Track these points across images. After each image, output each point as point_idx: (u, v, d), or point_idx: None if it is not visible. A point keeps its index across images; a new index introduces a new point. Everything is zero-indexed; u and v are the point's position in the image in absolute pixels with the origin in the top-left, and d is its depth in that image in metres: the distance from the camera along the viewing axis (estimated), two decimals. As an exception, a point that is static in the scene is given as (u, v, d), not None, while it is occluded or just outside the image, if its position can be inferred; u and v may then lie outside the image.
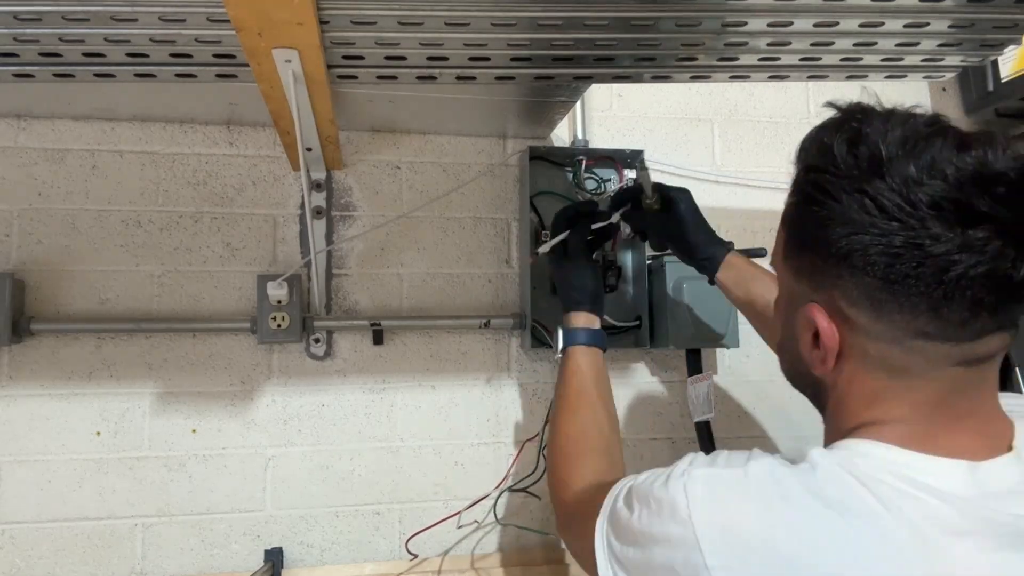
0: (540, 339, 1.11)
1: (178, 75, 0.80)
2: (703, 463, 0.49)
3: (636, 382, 1.22)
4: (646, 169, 1.21)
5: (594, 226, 0.99)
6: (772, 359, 0.64)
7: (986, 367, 0.47)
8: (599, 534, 0.54)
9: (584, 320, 0.92)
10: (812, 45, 0.81)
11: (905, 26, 0.79)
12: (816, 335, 0.50)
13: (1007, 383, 1.28)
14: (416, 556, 1.08)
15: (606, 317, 1.13)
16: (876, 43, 0.82)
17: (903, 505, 0.43)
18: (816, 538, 0.42)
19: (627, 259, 1.18)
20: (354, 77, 0.82)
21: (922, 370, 0.47)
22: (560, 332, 0.92)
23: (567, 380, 0.86)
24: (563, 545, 1.15)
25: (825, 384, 0.53)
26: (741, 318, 1.13)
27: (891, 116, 0.47)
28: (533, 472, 1.12)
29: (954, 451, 0.46)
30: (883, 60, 0.86)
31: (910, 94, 1.38)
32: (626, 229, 1.15)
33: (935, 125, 0.46)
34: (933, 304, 0.43)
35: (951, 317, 0.44)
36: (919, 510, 0.43)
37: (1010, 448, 0.47)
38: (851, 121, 0.47)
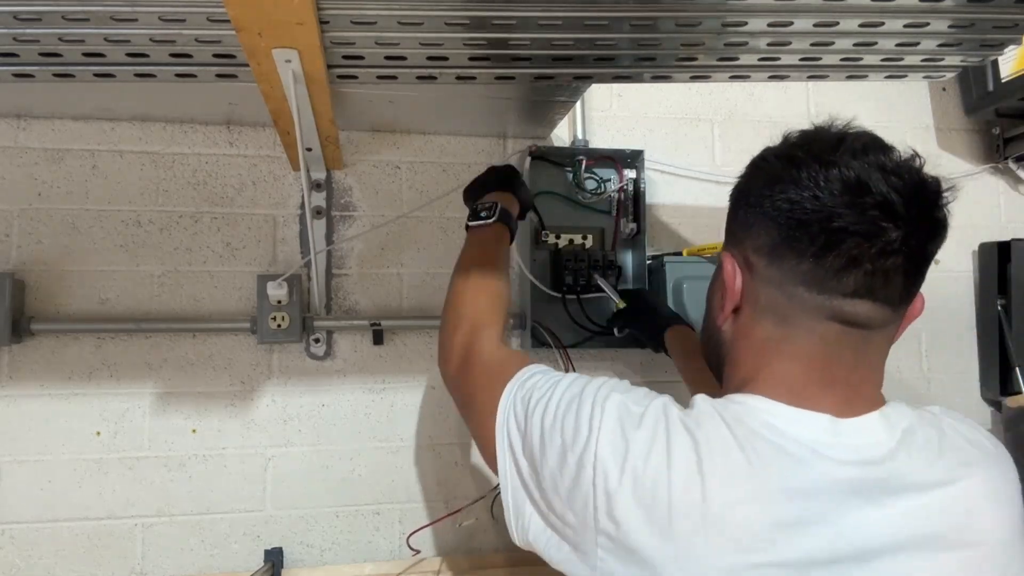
0: (540, 339, 1.11)
1: (178, 75, 0.80)
2: (619, 390, 0.57)
3: (636, 382, 1.22)
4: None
5: None
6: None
7: (861, 335, 0.53)
8: (503, 409, 0.61)
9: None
10: (812, 45, 0.81)
11: (905, 26, 0.79)
12: (724, 293, 0.58)
13: (1007, 383, 1.29)
14: (418, 552, 1.08)
15: (606, 320, 1.14)
16: (876, 43, 0.82)
17: (757, 446, 0.49)
18: (677, 461, 0.49)
19: (627, 259, 1.18)
20: (354, 77, 0.82)
21: (800, 320, 0.53)
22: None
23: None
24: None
25: (725, 343, 0.60)
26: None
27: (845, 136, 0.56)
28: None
29: (820, 406, 0.52)
30: (883, 60, 0.86)
31: (910, 94, 1.38)
32: (626, 229, 1.15)
33: (868, 136, 0.55)
34: (816, 252, 0.51)
35: (829, 265, 0.51)
36: (772, 453, 0.49)
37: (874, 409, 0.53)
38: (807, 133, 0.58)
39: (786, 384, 0.53)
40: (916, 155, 0.53)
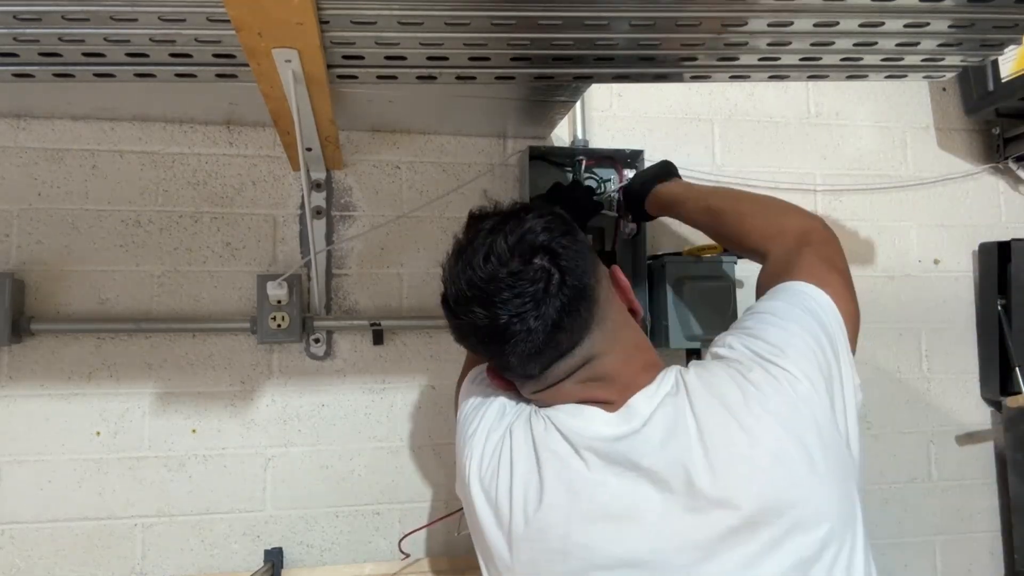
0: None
1: (178, 75, 0.80)
2: (497, 405, 0.72)
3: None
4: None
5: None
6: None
7: (579, 375, 0.65)
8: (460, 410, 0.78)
9: None
10: (812, 45, 0.81)
11: (905, 26, 0.79)
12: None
13: (1007, 383, 1.29)
14: (408, 556, 1.08)
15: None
16: (876, 43, 0.82)
17: (544, 437, 0.63)
18: (498, 456, 0.66)
19: (627, 259, 1.18)
20: (354, 77, 0.82)
21: (542, 390, 0.67)
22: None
23: None
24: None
25: None
26: (741, 318, 1.14)
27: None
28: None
29: (599, 404, 0.64)
30: (883, 60, 0.86)
31: (910, 94, 1.38)
32: (627, 228, 1.15)
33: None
34: (503, 367, 0.68)
35: (518, 373, 0.67)
36: (556, 447, 0.62)
37: (620, 407, 0.63)
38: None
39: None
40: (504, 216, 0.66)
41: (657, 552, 0.56)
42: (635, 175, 1.08)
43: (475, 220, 0.70)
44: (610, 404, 0.64)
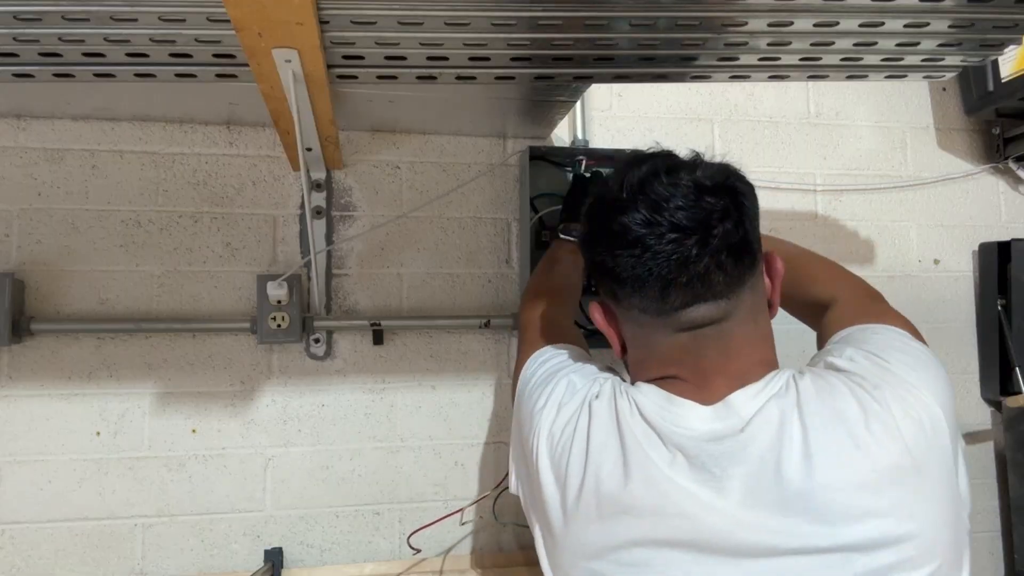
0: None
1: (178, 75, 0.80)
2: (574, 376, 0.68)
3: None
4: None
5: None
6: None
7: (713, 330, 0.60)
8: (520, 380, 0.75)
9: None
10: (812, 45, 0.81)
11: (905, 26, 0.79)
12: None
13: (1007, 383, 1.29)
14: (419, 551, 1.08)
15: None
16: (876, 43, 0.82)
17: (631, 424, 0.60)
18: (573, 430, 0.62)
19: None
20: (354, 77, 0.82)
21: (660, 337, 0.62)
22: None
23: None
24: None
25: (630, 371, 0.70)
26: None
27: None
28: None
29: (692, 395, 0.60)
30: (883, 60, 0.86)
31: (910, 94, 1.38)
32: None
33: (644, 170, 0.61)
34: (639, 291, 0.59)
35: (655, 295, 0.59)
36: (641, 435, 0.59)
37: (715, 402, 0.59)
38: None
39: (677, 382, 0.62)
40: (695, 162, 0.61)
41: (729, 552, 0.54)
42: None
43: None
44: (706, 395, 0.60)
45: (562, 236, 0.99)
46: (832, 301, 0.77)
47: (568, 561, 0.60)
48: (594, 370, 0.70)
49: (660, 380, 0.63)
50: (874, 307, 0.73)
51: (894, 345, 0.63)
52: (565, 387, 0.67)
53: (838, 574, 0.51)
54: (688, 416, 0.59)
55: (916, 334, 0.67)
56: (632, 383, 0.67)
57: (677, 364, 0.61)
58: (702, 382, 0.60)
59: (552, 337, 0.79)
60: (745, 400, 0.58)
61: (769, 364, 0.62)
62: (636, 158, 0.63)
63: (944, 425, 0.56)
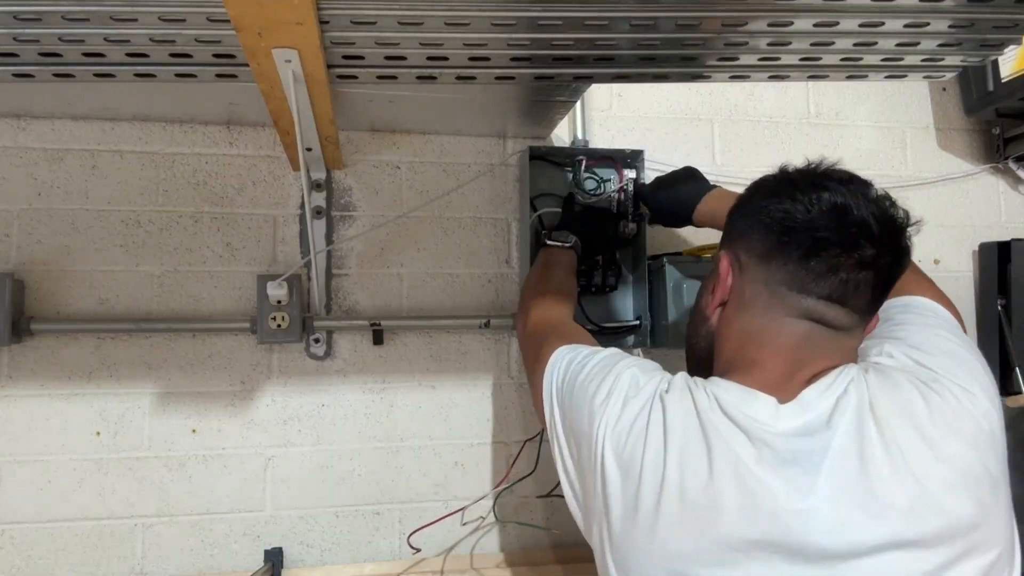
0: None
1: (178, 75, 0.80)
2: (637, 366, 0.66)
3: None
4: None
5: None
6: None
7: (829, 334, 0.60)
8: (549, 370, 0.72)
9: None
10: (812, 45, 0.81)
11: (905, 26, 0.79)
12: (716, 286, 0.67)
13: (1007, 383, 1.29)
14: (419, 550, 1.08)
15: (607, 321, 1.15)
16: (876, 43, 0.82)
17: (713, 419, 0.57)
18: (650, 439, 0.58)
19: (627, 259, 1.18)
20: (354, 77, 0.82)
21: (777, 314, 0.61)
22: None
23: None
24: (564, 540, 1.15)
25: (711, 332, 0.68)
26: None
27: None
28: (533, 472, 1.12)
29: (771, 390, 0.59)
30: (883, 60, 0.86)
31: (910, 94, 1.38)
32: (627, 228, 1.15)
33: (851, 173, 0.66)
34: (802, 255, 0.59)
35: (811, 268, 0.59)
36: (725, 430, 0.57)
37: (791, 399, 0.59)
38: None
39: (760, 374, 0.61)
40: (888, 195, 0.63)
41: (820, 549, 0.53)
42: (659, 182, 1.09)
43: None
44: (783, 392, 0.59)
45: (549, 243, 1.02)
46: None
47: (644, 561, 0.57)
48: (653, 365, 0.67)
49: (743, 366, 0.62)
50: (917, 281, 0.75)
51: (928, 328, 0.66)
52: (629, 380, 0.64)
53: (924, 566, 0.52)
54: (771, 412, 0.57)
55: (936, 294, 0.71)
56: (710, 348, 0.68)
57: (775, 351, 0.61)
58: (785, 376, 0.60)
59: (574, 335, 0.78)
60: (817, 396, 0.58)
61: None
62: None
63: (990, 412, 0.59)
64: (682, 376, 0.63)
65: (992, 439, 0.58)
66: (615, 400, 0.62)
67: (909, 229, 0.62)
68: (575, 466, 0.65)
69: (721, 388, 0.60)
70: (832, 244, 0.58)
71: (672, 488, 0.56)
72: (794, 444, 0.55)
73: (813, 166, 0.66)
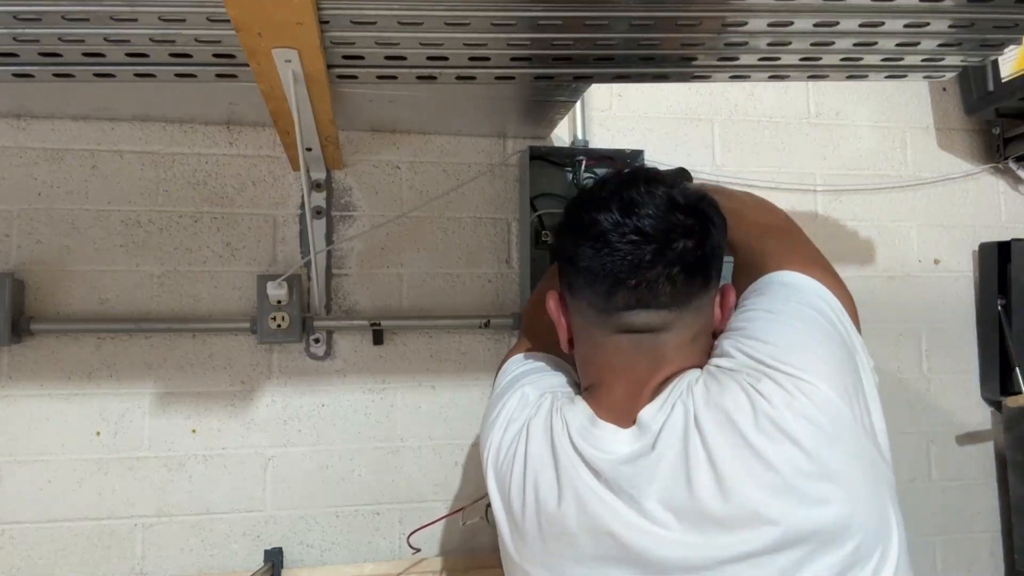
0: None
1: (178, 75, 0.80)
2: (522, 392, 0.71)
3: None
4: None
5: None
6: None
7: (650, 338, 0.61)
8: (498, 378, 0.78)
9: None
10: (812, 45, 0.81)
11: (905, 26, 0.79)
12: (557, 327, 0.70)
13: (1007, 383, 1.29)
14: (418, 551, 1.08)
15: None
16: (876, 43, 0.82)
17: (562, 445, 0.62)
18: (514, 451, 0.65)
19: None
20: (354, 77, 0.82)
21: (598, 337, 0.64)
22: None
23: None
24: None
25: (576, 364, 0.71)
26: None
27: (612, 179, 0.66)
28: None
29: (616, 413, 0.62)
30: (883, 60, 0.86)
31: (910, 94, 1.38)
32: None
33: (624, 177, 0.65)
34: (588, 281, 0.62)
35: (600, 289, 0.61)
36: (571, 456, 0.61)
37: (634, 422, 0.61)
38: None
39: (607, 396, 0.64)
40: (680, 173, 0.65)
41: (661, 569, 0.55)
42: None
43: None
44: (624, 414, 0.61)
45: None
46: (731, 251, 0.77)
47: (520, 574, 0.63)
48: (553, 382, 0.72)
49: (596, 389, 0.65)
50: (763, 251, 0.72)
51: (771, 314, 0.62)
52: (517, 401, 0.69)
53: (763, 573, 0.53)
54: (607, 440, 0.60)
55: (804, 266, 0.67)
56: (578, 383, 0.70)
57: (611, 370, 0.63)
58: (630, 395, 0.62)
59: (537, 342, 0.81)
60: (652, 414, 0.59)
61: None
62: (628, 169, 0.66)
63: (829, 398, 0.55)
64: (553, 397, 0.68)
65: (832, 432, 0.54)
66: (500, 423, 0.68)
67: (697, 204, 0.61)
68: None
69: (573, 413, 0.64)
70: (608, 270, 0.60)
71: (531, 511, 0.61)
72: (623, 471, 0.58)
73: (587, 195, 0.65)
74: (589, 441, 0.61)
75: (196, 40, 0.73)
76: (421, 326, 1.16)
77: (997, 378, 1.30)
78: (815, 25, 0.77)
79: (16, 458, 1.05)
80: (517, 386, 0.71)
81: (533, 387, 0.70)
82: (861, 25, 0.78)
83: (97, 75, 0.79)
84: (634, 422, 0.61)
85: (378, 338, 1.14)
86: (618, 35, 0.76)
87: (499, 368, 0.79)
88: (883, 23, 0.78)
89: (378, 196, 1.17)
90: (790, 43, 0.80)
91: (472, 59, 0.79)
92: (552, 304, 0.69)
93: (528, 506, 0.61)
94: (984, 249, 1.34)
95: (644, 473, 0.57)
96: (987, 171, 1.39)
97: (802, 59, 0.85)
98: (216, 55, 0.76)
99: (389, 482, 1.14)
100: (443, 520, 1.11)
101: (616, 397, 0.63)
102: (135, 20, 0.69)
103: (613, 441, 0.60)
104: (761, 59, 0.84)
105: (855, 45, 0.82)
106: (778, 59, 0.84)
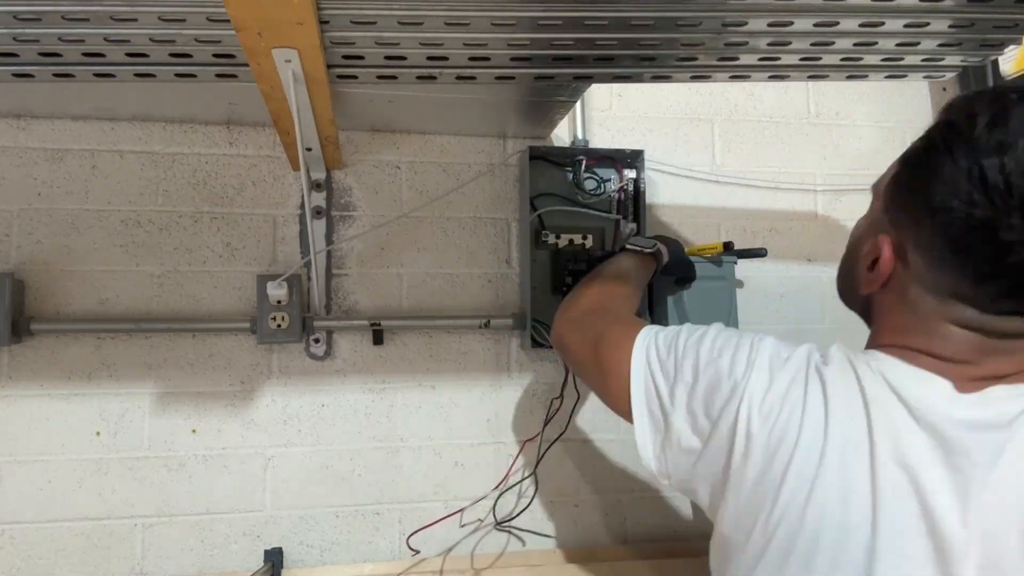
0: (540, 339, 1.10)
1: (178, 75, 0.80)
2: (771, 340, 0.62)
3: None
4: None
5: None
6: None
7: (1006, 342, 0.53)
8: (640, 346, 0.67)
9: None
10: (812, 45, 0.81)
11: (905, 26, 0.79)
12: (875, 262, 0.59)
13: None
14: (418, 552, 1.08)
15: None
16: (876, 43, 0.82)
17: (878, 395, 0.53)
18: (809, 409, 0.54)
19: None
20: (354, 77, 0.82)
21: (944, 325, 0.54)
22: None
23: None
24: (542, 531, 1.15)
25: (870, 303, 0.63)
26: (741, 318, 1.14)
27: None
28: (533, 473, 1.12)
29: (947, 375, 0.53)
30: (883, 60, 0.86)
31: (910, 94, 1.38)
32: (627, 227, 1.15)
33: None
34: (981, 276, 0.51)
35: (989, 291, 0.52)
36: (888, 404, 0.53)
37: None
38: (1004, 100, 0.51)
39: (929, 360, 0.55)
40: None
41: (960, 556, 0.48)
42: (675, 251, 1.04)
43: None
44: (957, 380, 0.53)
45: (628, 247, 0.97)
46: None
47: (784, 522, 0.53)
48: (776, 338, 0.63)
49: (904, 350, 0.56)
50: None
51: None
52: (771, 351, 0.59)
53: None
54: (944, 398, 0.52)
55: None
56: (867, 316, 0.62)
57: (938, 347, 0.55)
58: (962, 365, 0.54)
59: (637, 319, 0.75)
60: (1006, 395, 0.51)
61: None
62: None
63: None
64: (838, 347, 0.59)
65: None
66: (760, 373, 0.58)
67: None
68: (703, 447, 0.60)
69: (887, 365, 0.55)
70: (1018, 255, 0.49)
71: (832, 463, 0.52)
72: (968, 437, 0.50)
73: (995, 96, 0.52)
74: (921, 396, 0.53)
75: (196, 40, 0.73)
76: (421, 326, 1.16)
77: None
78: (815, 25, 0.77)
79: (16, 458, 1.05)
80: (754, 339, 0.62)
81: (775, 339, 0.62)
82: (861, 25, 0.78)
83: (97, 75, 0.79)
84: (972, 391, 0.53)
85: (378, 338, 1.14)
86: (618, 35, 0.76)
87: (628, 340, 0.68)
88: (883, 23, 0.78)
89: (378, 196, 1.17)
90: (790, 43, 0.80)
91: (472, 59, 0.79)
92: (888, 251, 0.58)
93: (829, 457, 0.53)
94: (984, 249, 1.34)
95: (992, 448, 0.50)
96: (987, 171, 1.39)
97: (802, 59, 0.85)
98: (216, 55, 0.76)
99: (389, 482, 1.14)
100: (443, 521, 1.11)
101: (939, 365, 0.55)
102: (135, 20, 0.69)
103: (951, 400, 0.52)
104: (761, 59, 0.84)
105: (855, 45, 0.82)
106: (778, 59, 0.84)
